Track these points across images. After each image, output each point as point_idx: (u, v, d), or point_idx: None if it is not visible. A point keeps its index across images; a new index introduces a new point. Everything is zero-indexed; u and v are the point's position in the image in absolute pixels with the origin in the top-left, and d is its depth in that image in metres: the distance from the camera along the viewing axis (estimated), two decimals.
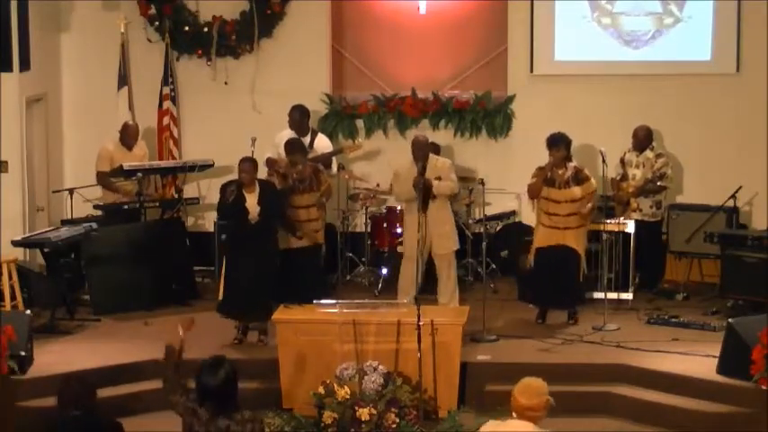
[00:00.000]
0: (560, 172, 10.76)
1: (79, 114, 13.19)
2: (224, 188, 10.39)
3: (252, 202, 10.28)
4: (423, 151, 10.87)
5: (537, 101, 12.86)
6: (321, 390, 9.24)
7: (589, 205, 10.77)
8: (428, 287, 11.01)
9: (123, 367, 9.92)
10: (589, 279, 11.09)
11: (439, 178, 10.81)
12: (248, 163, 10.36)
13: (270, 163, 11.74)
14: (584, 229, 10.85)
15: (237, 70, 13.10)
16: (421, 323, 9.19)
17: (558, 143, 10.75)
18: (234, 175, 11.70)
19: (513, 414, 5.96)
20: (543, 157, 10.86)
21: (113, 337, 10.71)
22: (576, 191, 10.72)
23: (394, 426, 9.06)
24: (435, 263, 10.98)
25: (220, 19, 12.98)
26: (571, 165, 10.82)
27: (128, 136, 12.27)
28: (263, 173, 11.55)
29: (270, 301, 10.26)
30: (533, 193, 10.80)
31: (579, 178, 10.76)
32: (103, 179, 12.14)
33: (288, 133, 11.82)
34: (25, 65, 12.05)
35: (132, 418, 9.15)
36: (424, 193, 10.73)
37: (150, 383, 9.71)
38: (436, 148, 12.43)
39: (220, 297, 10.55)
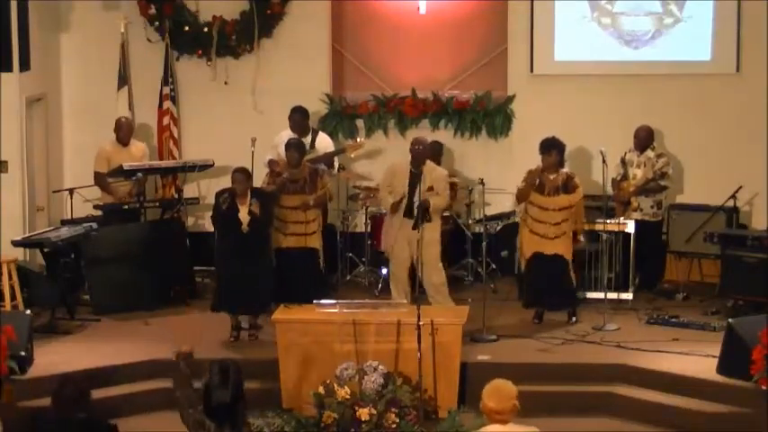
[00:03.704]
0: (551, 177, 10.73)
1: (79, 114, 13.19)
2: (218, 196, 10.51)
3: (244, 213, 10.42)
4: (424, 155, 10.83)
5: (537, 101, 12.86)
6: (321, 390, 9.24)
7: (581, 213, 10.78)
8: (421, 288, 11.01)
9: (123, 367, 9.93)
10: (589, 279, 11.08)
11: (431, 188, 10.77)
12: (241, 174, 10.48)
13: (272, 164, 11.75)
14: (569, 236, 10.82)
15: (237, 70, 13.10)
16: (421, 323, 9.19)
17: (550, 148, 10.71)
18: None
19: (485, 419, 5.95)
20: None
21: (113, 337, 10.71)
22: (564, 199, 10.70)
23: (394, 426, 9.06)
24: (423, 270, 10.75)
25: (220, 19, 12.98)
26: (563, 171, 10.80)
27: (121, 131, 12.23)
28: (263, 173, 11.59)
29: (264, 297, 10.42)
30: (521, 197, 10.80)
31: (568, 186, 10.73)
32: (100, 180, 12.13)
33: (287, 134, 11.83)
34: (25, 65, 12.05)
35: (132, 417, 9.16)
36: (422, 211, 10.63)
37: (150, 383, 9.75)
38: (439, 147, 12.44)
39: (215, 296, 10.72)
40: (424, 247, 10.61)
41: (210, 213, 10.83)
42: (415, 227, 10.65)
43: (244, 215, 10.41)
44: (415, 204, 10.68)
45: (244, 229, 10.41)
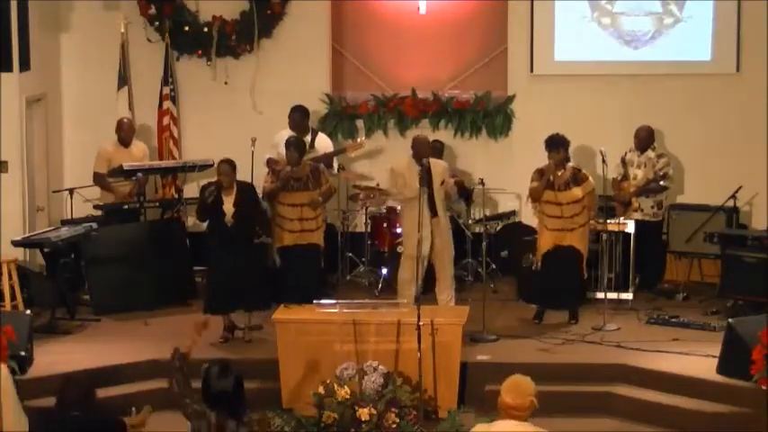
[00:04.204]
0: (559, 174, 10.77)
1: (79, 114, 13.19)
2: (203, 189, 10.50)
3: (229, 205, 10.39)
4: (426, 150, 10.90)
5: (537, 101, 12.86)
6: (321, 390, 9.24)
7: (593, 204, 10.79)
8: (427, 286, 11.01)
9: (123, 367, 9.93)
10: (589, 279, 11.09)
11: (443, 182, 10.85)
12: (227, 165, 10.46)
13: (271, 163, 11.76)
14: (586, 229, 10.85)
15: (237, 70, 13.10)
16: (421, 323, 9.19)
17: (558, 145, 10.76)
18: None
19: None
20: (543, 157, 10.86)
21: (113, 337, 10.71)
22: (577, 192, 10.73)
23: (394, 426, 9.06)
24: (436, 264, 10.97)
25: (220, 19, 12.99)
26: (569, 165, 10.84)
27: (123, 132, 12.25)
28: (262, 172, 11.60)
29: (257, 292, 10.38)
30: (535, 196, 10.81)
31: (578, 179, 10.77)
32: (100, 180, 12.14)
33: (286, 133, 11.83)
34: (25, 65, 12.04)
35: (132, 418, 9.15)
36: (462, 194, 10.81)
37: (150, 383, 9.74)
38: (440, 147, 12.46)
39: (206, 296, 10.69)
40: (446, 243, 10.83)
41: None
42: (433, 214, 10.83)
43: (228, 207, 10.38)
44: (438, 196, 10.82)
45: (228, 222, 10.39)
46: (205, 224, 10.69)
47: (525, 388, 5.92)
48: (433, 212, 10.80)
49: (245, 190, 10.55)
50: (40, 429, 7.22)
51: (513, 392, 5.90)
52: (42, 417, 7.30)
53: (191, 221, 12.98)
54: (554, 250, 10.78)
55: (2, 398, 7.08)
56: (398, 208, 11.89)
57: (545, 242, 10.85)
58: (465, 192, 10.96)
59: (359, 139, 12.81)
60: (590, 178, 10.82)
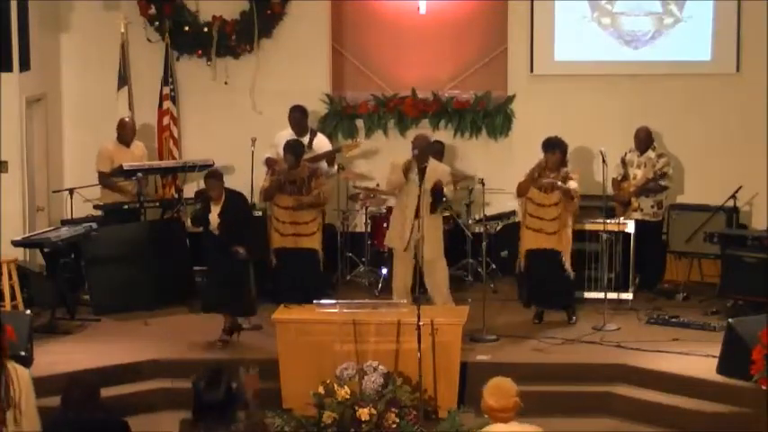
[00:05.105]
0: (552, 176, 10.75)
1: (79, 114, 13.19)
2: (196, 196, 10.60)
3: (215, 214, 10.39)
4: (419, 144, 10.84)
5: (537, 101, 12.86)
6: (321, 390, 9.24)
7: (574, 201, 10.76)
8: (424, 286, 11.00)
9: (123, 367, 9.93)
10: (582, 279, 11.08)
11: (435, 184, 10.79)
12: (213, 180, 10.45)
13: (270, 163, 11.76)
14: (566, 231, 10.81)
15: (237, 70, 13.09)
16: (421, 323, 9.19)
17: (554, 147, 10.76)
18: (234, 175, 11.74)
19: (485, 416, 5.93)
20: (542, 157, 10.85)
21: (113, 337, 10.71)
22: (557, 194, 10.72)
23: (394, 426, 9.06)
24: (424, 269, 10.82)
25: (220, 19, 12.99)
26: (564, 170, 10.82)
27: (124, 132, 12.27)
28: (262, 172, 11.59)
29: (243, 300, 10.37)
30: (521, 191, 10.87)
31: (564, 183, 10.74)
32: (105, 179, 12.15)
33: (287, 133, 11.82)
34: (25, 65, 12.04)
35: (132, 417, 9.14)
36: (435, 196, 10.72)
37: (150, 383, 9.76)
38: (441, 147, 12.45)
39: (203, 296, 10.73)
40: (429, 248, 10.70)
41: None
42: (433, 210, 10.75)
43: (214, 217, 10.38)
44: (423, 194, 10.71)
45: (213, 230, 10.40)
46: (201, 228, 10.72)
47: (507, 389, 5.90)
48: (416, 213, 10.73)
49: (232, 199, 10.51)
50: (44, 429, 7.23)
51: (496, 395, 5.89)
52: (46, 416, 7.30)
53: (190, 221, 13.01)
54: (536, 254, 10.78)
55: (23, 398, 7.11)
56: None
57: (528, 241, 10.88)
58: (438, 193, 10.78)
59: (356, 139, 12.81)
60: (573, 184, 10.73)
